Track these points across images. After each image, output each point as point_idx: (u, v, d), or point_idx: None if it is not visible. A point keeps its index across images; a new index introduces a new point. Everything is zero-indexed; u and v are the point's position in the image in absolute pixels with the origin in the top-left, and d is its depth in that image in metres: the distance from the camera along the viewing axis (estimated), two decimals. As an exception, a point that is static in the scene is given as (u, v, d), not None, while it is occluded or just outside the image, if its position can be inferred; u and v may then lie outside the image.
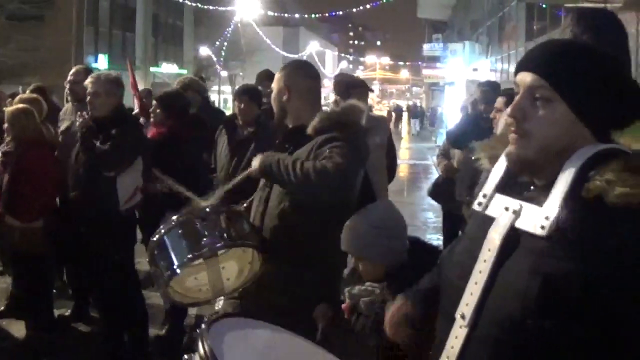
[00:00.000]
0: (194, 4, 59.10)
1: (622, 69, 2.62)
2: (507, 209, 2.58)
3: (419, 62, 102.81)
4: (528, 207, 2.51)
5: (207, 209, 4.88)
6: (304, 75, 5.35)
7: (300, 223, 4.92)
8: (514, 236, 2.50)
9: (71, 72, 9.32)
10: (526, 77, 2.54)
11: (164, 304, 8.36)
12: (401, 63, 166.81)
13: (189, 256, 4.68)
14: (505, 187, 2.70)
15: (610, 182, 2.32)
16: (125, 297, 7.52)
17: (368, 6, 60.09)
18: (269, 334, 3.43)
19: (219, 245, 4.74)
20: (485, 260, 2.54)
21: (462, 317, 2.56)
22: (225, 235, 4.79)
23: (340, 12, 77.98)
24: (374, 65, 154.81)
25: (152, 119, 8.72)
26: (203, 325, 3.03)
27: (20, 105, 8.54)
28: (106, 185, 7.33)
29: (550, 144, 2.50)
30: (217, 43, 65.58)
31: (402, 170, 29.85)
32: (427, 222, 18.26)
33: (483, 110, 9.96)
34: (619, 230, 2.28)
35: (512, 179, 2.70)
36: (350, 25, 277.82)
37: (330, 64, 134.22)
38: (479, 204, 2.75)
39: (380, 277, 4.50)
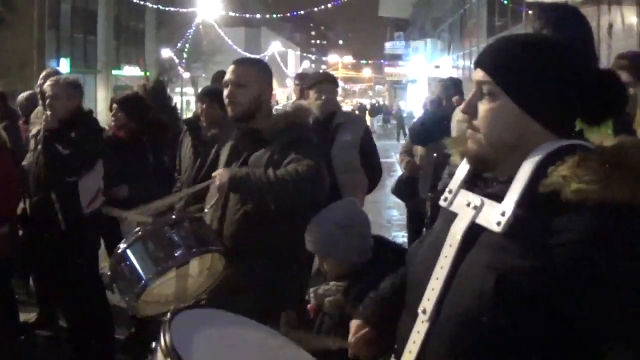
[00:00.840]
0: (155, 6, 58.89)
1: (583, 61, 2.61)
2: (468, 204, 2.59)
3: (382, 61, 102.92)
4: (488, 203, 2.51)
5: (174, 216, 4.86)
6: (271, 78, 5.38)
7: (263, 225, 4.92)
8: (474, 232, 2.52)
9: (41, 76, 9.30)
10: (477, 74, 2.58)
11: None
12: (364, 61, 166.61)
13: (163, 266, 4.61)
14: (471, 182, 2.71)
15: (566, 178, 2.32)
16: (90, 300, 7.49)
17: (330, 5, 60.09)
18: (231, 324, 3.44)
19: (193, 252, 4.71)
20: (446, 256, 2.56)
21: (424, 312, 2.57)
22: (194, 242, 4.74)
23: (302, 12, 77.89)
24: (336, 64, 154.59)
25: (112, 123, 8.69)
26: (167, 317, 3.04)
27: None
28: (68, 188, 7.30)
29: (497, 138, 2.54)
30: (179, 45, 65.37)
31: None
32: (392, 220, 18.29)
33: (445, 106, 10.02)
34: (572, 226, 2.28)
35: (477, 174, 2.71)
36: (312, 24, 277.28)
37: (293, 64, 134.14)
38: (445, 199, 2.76)
39: (346, 275, 4.51)
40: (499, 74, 2.52)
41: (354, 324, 3.20)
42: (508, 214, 2.40)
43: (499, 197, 2.48)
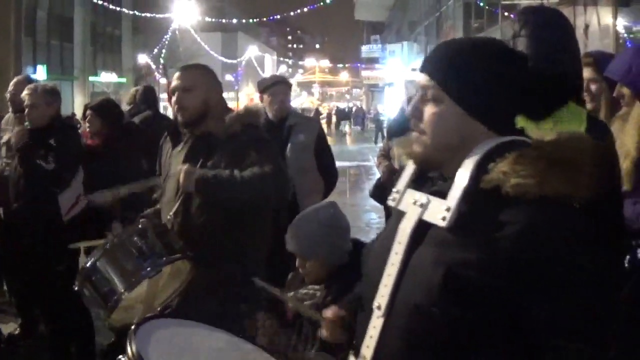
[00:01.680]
0: (131, 12, 58.80)
1: (521, 63, 2.69)
2: (415, 202, 2.67)
3: (358, 64, 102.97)
4: (434, 200, 2.59)
5: (140, 225, 4.85)
6: (220, 83, 5.40)
7: (227, 226, 4.93)
8: (422, 229, 2.60)
9: (12, 83, 9.26)
10: (420, 79, 2.69)
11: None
12: (340, 65, 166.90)
13: (135, 279, 4.59)
14: (417, 182, 2.80)
15: (505, 173, 2.42)
16: (70, 307, 7.47)
17: (306, 9, 60.13)
18: (197, 332, 3.50)
19: (162, 261, 4.69)
20: (396, 253, 2.65)
21: (378, 307, 2.66)
22: (163, 251, 4.72)
23: (278, 16, 77.97)
24: (313, 69, 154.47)
25: (87, 129, 8.60)
26: (132, 327, 3.09)
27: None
28: (48, 195, 7.29)
29: (442, 140, 2.63)
30: (156, 50, 65.28)
31: (344, 171, 29.89)
32: (370, 223, 18.28)
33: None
34: (513, 219, 2.38)
35: (424, 174, 2.81)
36: (288, 29, 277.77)
37: (270, 68, 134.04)
38: (393, 199, 2.83)
39: (324, 278, 4.53)
40: (443, 79, 2.61)
41: (332, 308, 3.30)
42: (452, 209, 2.48)
43: (444, 194, 2.56)
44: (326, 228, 4.58)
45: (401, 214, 2.73)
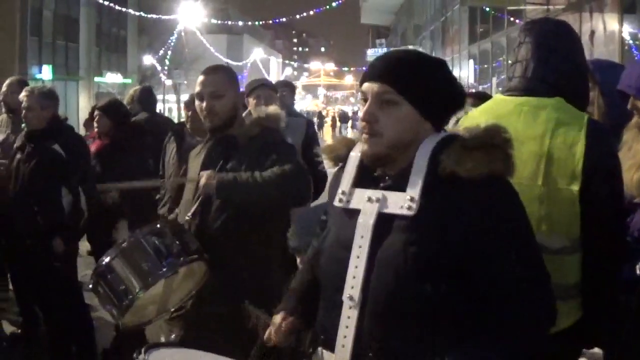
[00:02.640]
0: (137, 13, 58.79)
1: (446, 70, 3.15)
2: (369, 199, 3.02)
3: (363, 68, 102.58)
4: (390, 195, 2.98)
5: (158, 225, 4.84)
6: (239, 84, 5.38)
7: (244, 230, 4.91)
8: (381, 221, 2.96)
9: (5, 84, 9.30)
10: (373, 86, 3.02)
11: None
12: (345, 69, 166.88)
13: (151, 279, 4.58)
14: (361, 182, 3.14)
15: (459, 160, 2.87)
16: (69, 305, 7.46)
17: (312, 12, 60.13)
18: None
19: (180, 261, 4.68)
20: (360, 246, 2.98)
21: (350, 298, 2.96)
22: (181, 251, 4.71)
23: (284, 19, 77.94)
24: (318, 72, 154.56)
25: (95, 130, 8.64)
26: (141, 353, 3.25)
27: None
28: (52, 194, 7.29)
29: (399, 138, 3.00)
30: (161, 52, 65.24)
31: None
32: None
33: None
34: (471, 198, 2.86)
35: (364, 174, 3.14)
36: (294, 32, 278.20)
37: (275, 71, 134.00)
38: (340, 200, 3.16)
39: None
40: (401, 85, 2.99)
41: (278, 316, 3.47)
42: (417, 198, 2.89)
43: (398, 188, 2.97)
44: None
45: (352, 213, 3.08)
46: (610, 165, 3.84)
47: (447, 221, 2.86)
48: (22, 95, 7.55)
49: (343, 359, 2.97)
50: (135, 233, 4.87)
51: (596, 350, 4.36)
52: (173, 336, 5.05)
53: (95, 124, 8.66)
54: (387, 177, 3.08)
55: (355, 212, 3.06)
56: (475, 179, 2.84)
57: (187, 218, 5.03)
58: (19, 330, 8.81)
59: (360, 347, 2.94)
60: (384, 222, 2.96)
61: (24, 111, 7.52)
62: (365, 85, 3.06)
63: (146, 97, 10.57)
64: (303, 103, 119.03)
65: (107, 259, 4.63)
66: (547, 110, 3.89)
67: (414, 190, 2.91)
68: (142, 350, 3.27)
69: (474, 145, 2.91)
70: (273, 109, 5.34)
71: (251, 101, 7.89)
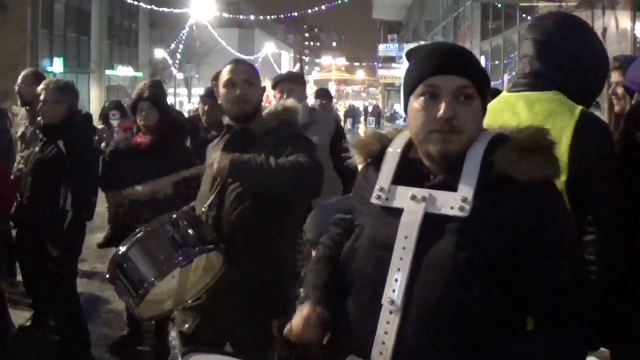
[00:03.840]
0: (148, 7, 58.86)
1: None
2: (414, 197, 2.87)
3: (375, 63, 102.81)
4: (438, 194, 2.84)
5: (174, 215, 4.84)
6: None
7: (260, 223, 4.90)
8: (427, 221, 2.81)
9: (20, 76, 9.31)
10: (454, 80, 2.86)
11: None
12: (357, 64, 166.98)
13: (166, 267, 4.57)
14: (400, 179, 2.99)
15: (513, 162, 2.76)
16: (61, 294, 7.46)
17: (323, 7, 60.15)
18: None
19: (195, 251, 4.68)
20: (404, 247, 2.81)
21: (391, 303, 2.78)
22: (196, 241, 4.71)
23: (296, 14, 78.14)
24: (329, 66, 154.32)
25: (142, 123, 8.03)
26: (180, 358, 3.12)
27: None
28: (47, 193, 7.32)
29: (474, 135, 2.88)
30: (172, 45, 65.32)
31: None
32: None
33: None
34: (525, 202, 2.74)
35: (405, 172, 3.00)
36: (305, 26, 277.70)
37: (286, 66, 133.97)
38: (378, 197, 2.99)
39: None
40: (477, 78, 2.89)
41: (305, 307, 3.17)
42: (470, 199, 2.76)
43: (446, 187, 2.83)
44: None
45: (391, 211, 2.93)
46: (600, 158, 3.70)
47: (499, 225, 2.72)
48: (40, 88, 7.55)
49: None
50: (151, 223, 4.88)
51: (602, 349, 4.31)
52: (186, 326, 5.04)
53: (140, 117, 8.03)
54: (433, 176, 2.92)
55: (396, 211, 2.91)
56: (529, 182, 2.74)
57: (203, 210, 5.04)
58: (29, 323, 8.81)
59: (400, 355, 2.77)
60: (431, 222, 2.81)
61: (40, 104, 7.51)
62: (442, 78, 2.87)
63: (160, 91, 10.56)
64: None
65: (123, 249, 4.64)
66: (541, 102, 3.86)
67: (467, 190, 2.78)
68: (180, 354, 3.19)
69: (527, 147, 2.80)
70: (290, 102, 5.32)
71: (276, 95, 7.85)
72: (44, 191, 7.32)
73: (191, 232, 4.73)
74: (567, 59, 3.95)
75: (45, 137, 7.40)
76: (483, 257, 2.69)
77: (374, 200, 3.00)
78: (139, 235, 4.68)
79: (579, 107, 3.79)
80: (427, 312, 2.73)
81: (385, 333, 2.79)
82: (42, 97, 7.44)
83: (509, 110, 3.95)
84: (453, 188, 2.81)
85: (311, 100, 12.80)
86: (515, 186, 2.74)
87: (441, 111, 2.81)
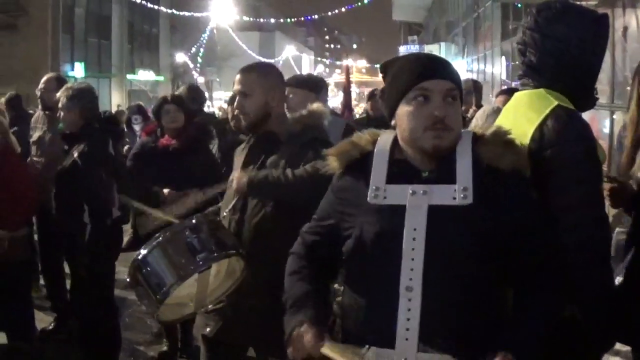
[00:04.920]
0: (169, 11, 59.03)
1: None
2: (414, 192, 3.18)
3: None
4: (436, 187, 3.18)
5: (194, 220, 4.85)
6: (283, 80, 5.34)
7: (281, 226, 4.89)
8: (431, 212, 3.13)
9: (42, 81, 9.27)
10: (443, 83, 3.23)
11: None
12: (378, 66, 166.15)
13: (185, 272, 4.60)
14: (392, 178, 3.28)
15: (500, 155, 3.21)
16: (94, 300, 7.45)
17: (343, 9, 60.18)
18: None
19: (214, 256, 4.70)
20: (414, 238, 3.11)
21: (409, 289, 3.07)
22: (215, 246, 4.73)
23: (316, 16, 78.07)
24: (350, 69, 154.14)
25: (168, 125, 8.02)
26: None
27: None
28: (66, 203, 7.32)
29: (460, 133, 3.29)
30: (193, 49, 65.48)
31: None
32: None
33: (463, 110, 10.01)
34: (512, 188, 3.20)
35: (393, 171, 3.29)
36: (325, 29, 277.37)
37: (307, 68, 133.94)
38: (375, 196, 3.26)
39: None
40: (457, 83, 3.30)
41: (309, 332, 3.32)
42: (470, 188, 3.13)
43: (442, 181, 3.17)
44: None
45: (391, 208, 3.20)
46: (569, 153, 3.54)
47: (497, 207, 3.14)
48: (57, 95, 7.50)
49: (407, 351, 3.05)
50: (171, 227, 4.92)
51: (618, 346, 4.26)
52: (208, 330, 5.04)
53: (169, 122, 8.01)
54: (424, 172, 3.25)
55: (394, 208, 3.19)
56: (512, 171, 3.21)
57: (225, 214, 5.06)
58: (51, 326, 8.82)
59: (426, 336, 3.04)
60: (435, 213, 3.12)
61: (59, 111, 7.47)
62: (432, 82, 3.23)
63: (199, 95, 10.61)
64: (336, 100, 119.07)
65: (143, 252, 4.65)
66: (525, 98, 3.91)
67: (467, 180, 3.15)
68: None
69: (507, 141, 3.29)
70: (317, 106, 5.30)
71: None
72: (67, 201, 7.30)
73: (210, 237, 4.75)
74: (559, 49, 3.84)
75: (66, 146, 7.38)
76: (488, 236, 3.09)
77: (371, 200, 3.26)
78: (158, 239, 4.70)
79: (555, 102, 3.68)
80: (445, 292, 3.07)
81: (408, 319, 3.06)
82: (59, 105, 7.43)
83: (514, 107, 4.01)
84: (447, 181, 3.16)
85: (333, 102, 12.83)
86: (503, 175, 3.19)
87: (436, 111, 3.18)
